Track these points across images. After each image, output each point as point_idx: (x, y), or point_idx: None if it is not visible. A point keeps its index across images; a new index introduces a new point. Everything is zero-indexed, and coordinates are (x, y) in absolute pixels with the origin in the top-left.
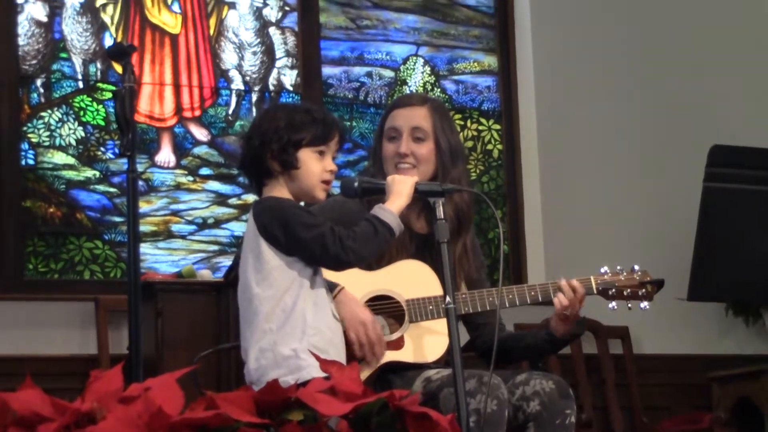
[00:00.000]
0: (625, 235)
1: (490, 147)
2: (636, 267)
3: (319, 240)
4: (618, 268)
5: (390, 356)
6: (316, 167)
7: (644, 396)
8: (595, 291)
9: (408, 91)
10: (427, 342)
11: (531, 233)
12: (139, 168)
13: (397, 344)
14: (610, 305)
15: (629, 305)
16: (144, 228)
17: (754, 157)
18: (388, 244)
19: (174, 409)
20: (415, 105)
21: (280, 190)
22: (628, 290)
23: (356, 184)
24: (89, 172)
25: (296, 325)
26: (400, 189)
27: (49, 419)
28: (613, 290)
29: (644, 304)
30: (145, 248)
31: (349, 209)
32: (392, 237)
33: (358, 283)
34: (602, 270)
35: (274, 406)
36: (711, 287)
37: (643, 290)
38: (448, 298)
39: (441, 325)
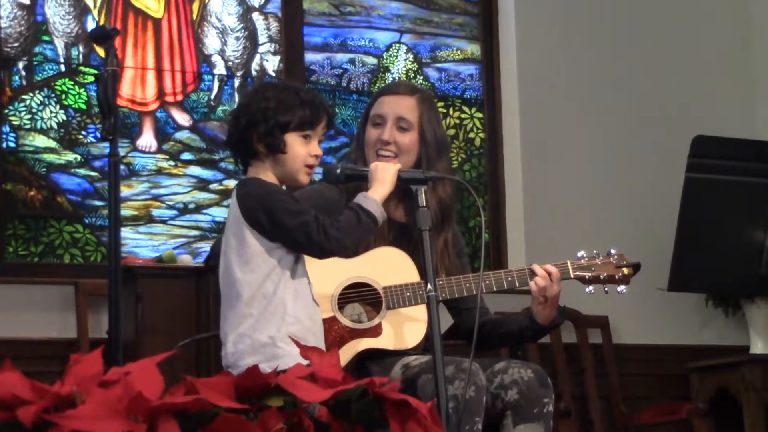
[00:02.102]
0: (607, 225)
1: (472, 135)
2: (612, 251)
3: (302, 228)
4: (594, 252)
5: (368, 343)
6: (301, 151)
7: (623, 386)
8: (571, 275)
9: (390, 79)
10: (406, 328)
11: (512, 222)
12: (121, 152)
13: (375, 331)
14: (587, 289)
15: (606, 289)
16: (125, 212)
17: (737, 148)
18: (372, 233)
19: (154, 393)
20: (403, 94)
21: (264, 172)
22: (605, 274)
23: (339, 170)
24: (70, 156)
25: (276, 312)
26: (383, 176)
27: (29, 402)
28: (590, 274)
29: (621, 287)
30: (125, 233)
31: (329, 197)
32: (375, 226)
33: (335, 271)
34: (579, 254)
35: (254, 391)
36: (692, 278)
37: (620, 274)
38: (429, 286)
39: (418, 311)
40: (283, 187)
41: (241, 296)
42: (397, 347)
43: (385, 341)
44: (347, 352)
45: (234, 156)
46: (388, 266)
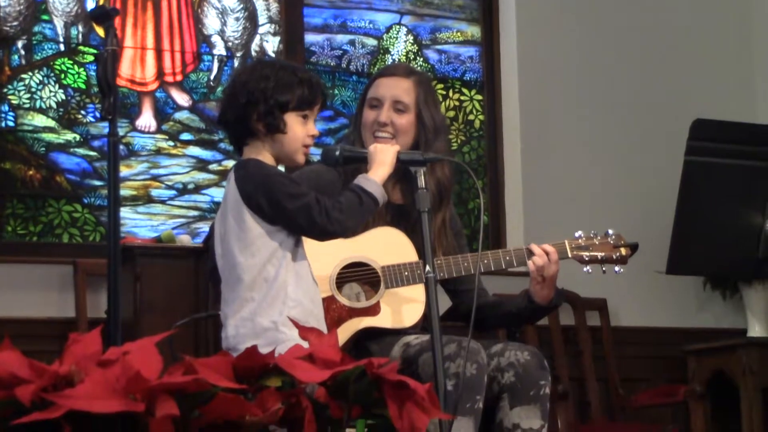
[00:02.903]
0: (606, 207)
1: (471, 117)
2: (610, 231)
3: (304, 210)
4: (592, 233)
5: (367, 322)
6: (300, 131)
7: (621, 368)
8: (569, 255)
9: (390, 60)
10: (404, 308)
11: (511, 204)
12: (120, 132)
13: (374, 310)
14: (585, 269)
15: (603, 269)
16: (124, 192)
17: (736, 132)
18: (372, 214)
19: (152, 373)
20: (400, 76)
21: (261, 152)
22: (603, 254)
23: (338, 152)
24: (69, 135)
25: (278, 296)
26: (383, 158)
27: (27, 381)
28: (588, 254)
29: (618, 268)
30: (124, 212)
31: (327, 179)
32: (376, 207)
33: (333, 250)
34: (576, 235)
35: (252, 372)
36: (690, 261)
37: (618, 254)
38: (428, 267)
39: (417, 290)
40: (281, 168)
41: (243, 280)
42: (395, 326)
43: (383, 320)
44: (346, 331)
45: (229, 135)
46: (386, 246)
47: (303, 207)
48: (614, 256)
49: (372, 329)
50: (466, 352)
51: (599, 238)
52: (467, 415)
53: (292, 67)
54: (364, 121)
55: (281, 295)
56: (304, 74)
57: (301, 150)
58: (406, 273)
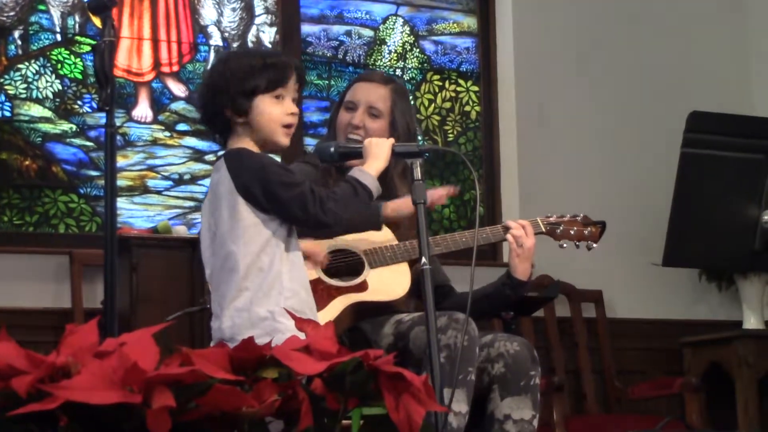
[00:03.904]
0: (602, 199)
1: (467, 108)
2: (578, 213)
3: (298, 200)
4: (560, 214)
5: (355, 297)
6: (275, 111)
7: (617, 360)
8: (543, 229)
9: (386, 51)
10: (391, 280)
11: (507, 195)
12: (116, 122)
13: (361, 287)
14: (559, 244)
15: (577, 244)
16: (120, 183)
17: (733, 124)
18: (367, 207)
19: (149, 364)
20: (377, 83)
21: (245, 141)
22: (574, 229)
23: (332, 149)
24: (66, 126)
25: (273, 286)
26: (378, 152)
27: (24, 372)
28: (560, 229)
29: (591, 243)
30: (121, 203)
31: (308, 173)
32: (371, 199)
33: (316, 238)
34: (547, 214)
35: (249, 363)
36: (686, 253)
37: (588, 230)
38: (423, 259)
39: (401, 267)
40: (276, 158)
41: (237, 270)
42: (386, 298)
43: (372, 294)
44: (334, 309)
45: (212, 130)
46: (367, 234)
47: (297, 196)
48: (585, 232)
49: (362, 304)
50: (465, 326)
51: (568, 217)
52: (460, 386)
53: (257, 52)
54: (338, 123)
55: (277, 284)
56: (272, 57)
57: (280, 131)
58: (389, 253)
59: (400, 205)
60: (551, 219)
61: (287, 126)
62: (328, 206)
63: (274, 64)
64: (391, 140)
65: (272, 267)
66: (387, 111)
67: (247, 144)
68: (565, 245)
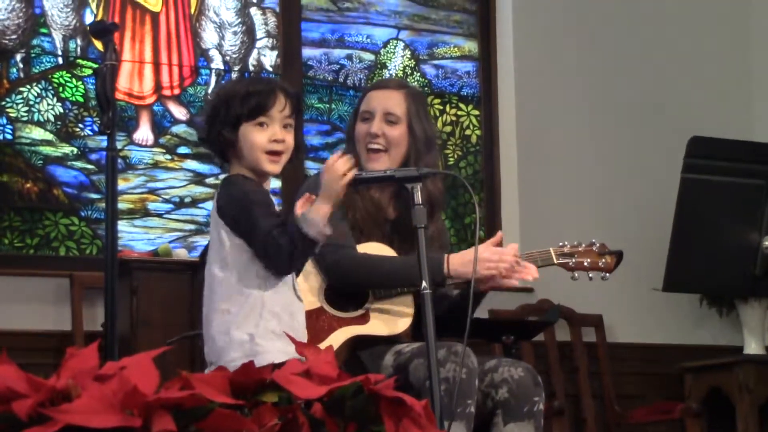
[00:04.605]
0: (602, 224)
1: (468, 132)
2: (594, 241)
3: (261, 241)
4: (576, 242)
5: (356, 330)
6: (259, 139)
7: (617, 384)
8: (555, 261)
9: (387, 75)
10: (393, 316)
11: (508, 219)
12: (117, 145)
13: (363, 319)
14: (572, 275)
15: (590, 275)
16: (121, 205)
17: (733, 150)
18: (313, 254)
19: (149, 388)
20: (391, 89)
21: (237, 168)
22: (588, 260)
23: None
24: (67, 149)
25: (254, 309)
26: (330, 190)
27: (24, 395)
28: (573, 261)
29: (605, 274)
30: (121, 226)
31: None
32: (317, 246)
33: None
34: (560, 243)
35: (249, 387)
36: (686, 278)
37: (603, 261)
38: (424, 283)
39: (404, 301)
40: (265, 185)
41: (218, 293)
42: (386, 333)
43: (373, 328)
44: (336, 340)
45: (214, 156)
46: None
47: (261, 236)
48: (600, 263)
49: (362, 338)
50: (462, 358)
51: (584, 246)
52: (460, 419)
53: (247, 81)
54: (357, 135)
55: (257, 307)
56: (257, 84)
57: (264, 158)
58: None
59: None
60: (565, 249)
61: (272, 152)
62: (279, 260)
63: (257, 91)
64: (348, 175)
65: (253, 290)
66: (404, 116)
67: (241, 170)
68: (577, 276)
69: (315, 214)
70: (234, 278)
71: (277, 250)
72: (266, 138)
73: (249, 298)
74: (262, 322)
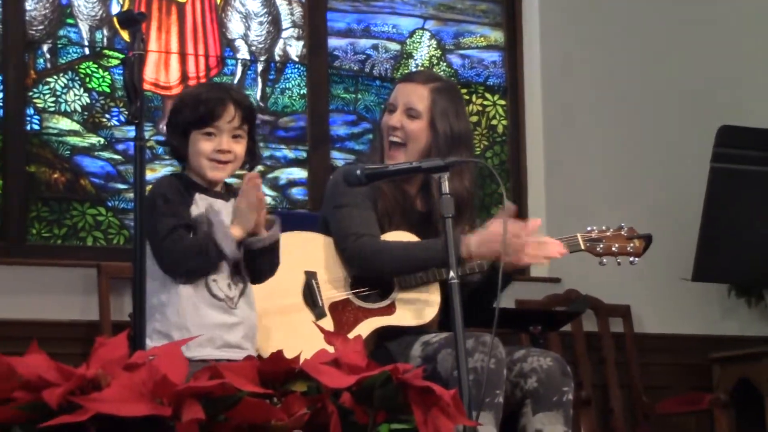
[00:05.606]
0: (630, 214)
1: (494, 122)
2: (623, 224)
3: (154, 234)
4: (604, 226)
5: (382, 321)
6: (204, 148)
7: (644, 375)
8: (582, 247)
9: (414, 65)
10: (419, 306)
11: (534, 209)
12: (145, 135)
13: (389, 310)
14: (600, 261)
15: (618, 260)
16: None
17: (763, 139)
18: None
19: (178, 377)
20: (417, 83)
21: (189, 169)
22: (616, 245)
23: (359, 171)
24: (94, 139)
25: (153, 316)
26: (243, 221)
27: (55, 384)
28: (601, 246)
29: (633, 258)
30: None
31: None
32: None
33: None
34: (588, 228)
35: (278, 376)
36: (715, 268)
37: (631, 245)
38: (452, 273)
39: (430, 290)
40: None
41: (150, 302)
42: (413, 322)
43: (399, 318)
44: (362, 331)
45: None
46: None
47: (155, 237)
48: (628, 248)
49: (389, 328)
50: (490, 349)
51: (612, 231)
52: (488, 409)
53: (201, 89)
54: (381, 125)
55: (157, 315)
56: (206, 94)
57: (206, 164)
58: (420, 273)
59: (235, 233)
60: (592, 234)
61: (216, 161)
62: (170, 258)
63: (206, 100)
64: (262, 211)
65: (168, 302)
66: (426, 111)
67: (193, 174)
68: (605, 261)
69: (235, 232)
70: (155, 289)
71: (167, 252)
72: (211, 148)
73: (165, 313)
74: (187, 334)
